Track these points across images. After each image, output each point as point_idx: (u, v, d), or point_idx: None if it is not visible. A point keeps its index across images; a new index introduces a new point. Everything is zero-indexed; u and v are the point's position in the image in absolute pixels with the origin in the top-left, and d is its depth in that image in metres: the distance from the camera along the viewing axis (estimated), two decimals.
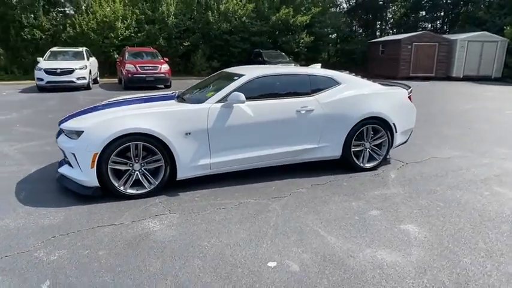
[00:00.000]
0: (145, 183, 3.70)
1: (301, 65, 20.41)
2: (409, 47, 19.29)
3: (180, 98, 4.26)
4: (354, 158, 4.47)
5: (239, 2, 20.16)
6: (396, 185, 4.12)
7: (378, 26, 31.58)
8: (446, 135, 6.60)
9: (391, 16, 32.29)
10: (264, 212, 3.40)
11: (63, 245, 2.82)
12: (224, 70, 4.94)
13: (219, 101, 3.90)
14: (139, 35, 18.69)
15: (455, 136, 6.51)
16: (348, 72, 5.05)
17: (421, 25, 30.13)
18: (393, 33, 28.50)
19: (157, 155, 3.65)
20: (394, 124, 4.54)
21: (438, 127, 7.29)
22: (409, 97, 4.83)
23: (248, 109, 3.95)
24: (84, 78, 13.48)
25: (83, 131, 3.52)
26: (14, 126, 7.16)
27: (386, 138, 4.56)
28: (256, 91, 4.15)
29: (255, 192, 3.89)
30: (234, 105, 3.89)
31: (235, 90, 3.97)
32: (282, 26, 20.86)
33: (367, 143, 4.54)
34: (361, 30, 31.17)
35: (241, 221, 3.23)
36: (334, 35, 27.29)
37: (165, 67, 14.20)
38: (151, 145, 3.60)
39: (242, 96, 3.81)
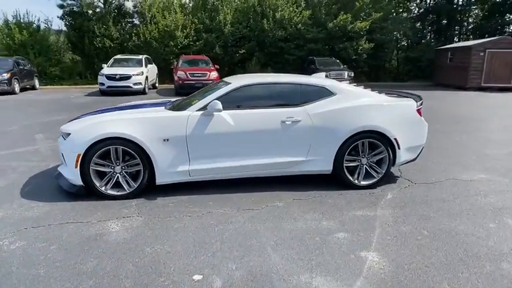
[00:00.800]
0: (125, 186, 3.87)
1: (360, 73, 19.62)
2: (482, 54, 17.35)
3: (172, 106, 4.39)
4: (347, 174, 4.16)
5: (295, 10, 20.10)
6: (387, 206, 3.74)
7: (457, 31, 28.90)
8: (487, 154, 5.80)
9: (471, 20, 29.38)
10: (225, 224, 3.33)
11: (27, 236, 3.08)
12: (223, 79, 4.97)
13: (200, 109, 3.94)
14: (197, 43, 19.65)
15: (497, 156, 5.68)
16: (349, 82, 4.69)
17: (507, 29, 26.91)
18: (474, 39, 25.80)
19: (136, 159, 3.81)
20: (395, 139, 4.13)
21: (482, 145, 6.43)
22: (419, 110, 4.35)
23: (229, 118, 3.92)
24: (140, 83, 14.60)
25: (70, 133, 3.83)
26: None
27: (387, 154, 4.16)
28: (242, 100, 4.10)
29: (231, 202, 3.83)
30: (215, 113, 3.89)
31: (217, 98, 3.98)
32: (339, 33, 20.27)
33: (363, 159, 4.19)
34: (432, 37, 28.91)
35: (197, 230, 3.21)
36: (403, 42, 25.75)
37: (213, 74, 14.72)
38: (130, 149, 3.76)
39: (219, 104, 3.80)
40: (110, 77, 14.22)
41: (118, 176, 3.86)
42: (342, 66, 17.72)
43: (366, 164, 4.21)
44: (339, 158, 4.09)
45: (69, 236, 3.09)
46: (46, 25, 19.52)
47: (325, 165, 4.13)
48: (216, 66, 16.18)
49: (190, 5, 20.86)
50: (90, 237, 3.08)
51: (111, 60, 15.75)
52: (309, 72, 18.15)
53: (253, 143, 3.98)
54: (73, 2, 18.74)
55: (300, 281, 2.49)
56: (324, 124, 4.04)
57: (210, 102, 3.90)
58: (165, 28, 18.71)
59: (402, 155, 4.25)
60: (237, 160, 4.00)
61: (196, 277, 2.52)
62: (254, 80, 4.22)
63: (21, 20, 18.28)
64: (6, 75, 14.19)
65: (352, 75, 16.87)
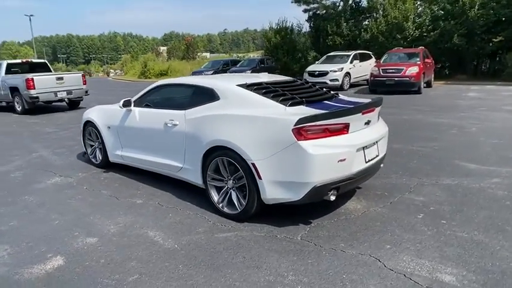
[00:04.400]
0: (98, 158, 5.21)
1: None
2: None
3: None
4: (212, 194, 3.54)
5: None
6: (184, 242, 3.04)
7: None
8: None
9: None
10: (82, 200, 4.03)
11: (23, 169, 5.13)
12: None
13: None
14: (431, 34, 16.88)
15: None
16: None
17: None
18: None
19: (99, 139, 5.05)
20: (253, 165, 3.06)
21: None
22: (302, 129, 2.87)
23: (137, 115, 4.35)
24: (336, 80, 14.84)
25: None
26: None
27: (246, 182, 3.17)
28: (158, 99, 4.38)
29: (130, 189, 4.31)
30: (132, 109, 4.43)
31: (141, 96, 4.47)
32: None
33: (230, 181, 3.39)
34: None
35: (68, 197, 4.11)
36: None
37: (412, 70, 12.64)
38: (96, 131, 5.04)
39: (121, 102, 4.33)
40: (310, 74, 15.38)
41: (96, 150, 5.26)
42: None
43: (232, 189, 3.38)
44: (204, 172, 3.56)
45: (35, 178, 4.85)
46: (298, 28, 22.93)
47: (196, 178, 3.70)
48: (427, 60, 13.66)
49: None
50: (29, 183, 4.68)
51: (324, 57, 16.77)
52: None
53: (148, 141, 4.23)
54: (316, 5, 20.91)
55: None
56: (193, 131, 3.63)
57: (137, 99, 4.47)
58: (394, 20, 17.33)
59: (269, 190, 3.06)
60: (145, 154, 4.36)
61: None
62: (169, 81, 4.35)
63: (279, 26, 22.46)
64: (248, 72, 18.45)
65: None
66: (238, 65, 20.23)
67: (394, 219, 3.34)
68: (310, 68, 15.65)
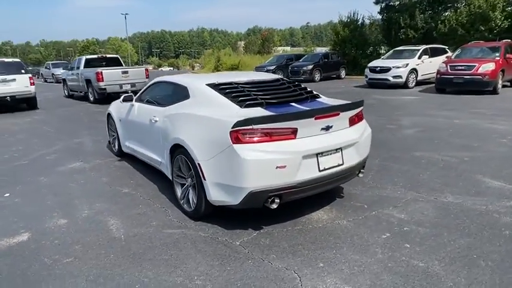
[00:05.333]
0: (116, 147, 5.69)
1: None
2: None
3: None
4: (176, 190, 3.64)
5: None
6: (126, 237, 3.19)
7: None
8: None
9: None
10: (86, 184, 4.48)
11: (54, 149, 5.85)
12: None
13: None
14: None
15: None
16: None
17: None
18: None
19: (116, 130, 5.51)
20: (199, 165, 3.07)
21: None
22: (239, 132, 2.77)
23: (136, 110, 4.64)
24: (399, 77, 13.67)
25: None
26: None
27: (196, 181, 3.20)
28: (154, 95, 4.59)
29: (124, 177, 4.69)
30: (134, 104, 4.75)
31: (142, 92, 4.76)
32: None
33: (189, 179, 3.44)
34: None
35: (79, 181, 4.62)
36: None
37: (486, 67, 11.05)
38: (114, 122, 5.51)
39: (121, 98, 4.65)
40: (372, 70, 14.42)
41: (115, 140, 5.75)
42: None
43: (190, 187, 3.44)
44: (172, 168, 3.68)
45: (61, 162, 5.52)
46: (370, 21, 21.46)
47: (168, 173, 3.84)
48: (510, 55, 11.74)
49: None
50: (60, 165, 5.33)
51: (390, 52, 15.57)
52: None
53: (141, 134, 4.49)
54: None
55: None
56: (166, 128, 3.76)
57: (139, 95, 4.79)
58: (477, 10, 15.20)
59: (212, 191, 3.04)
60: (140, 147, 4.65)
61: (6, 194, 4.20)
62: (161, 78, 4.51)
63: (349, 19, 21.33)
64: (310, 67, 18.03)
65: None
66: (301, 60, 19.79)
67: (352, 235, 3.05)
68: (372, 64, 14.66)
